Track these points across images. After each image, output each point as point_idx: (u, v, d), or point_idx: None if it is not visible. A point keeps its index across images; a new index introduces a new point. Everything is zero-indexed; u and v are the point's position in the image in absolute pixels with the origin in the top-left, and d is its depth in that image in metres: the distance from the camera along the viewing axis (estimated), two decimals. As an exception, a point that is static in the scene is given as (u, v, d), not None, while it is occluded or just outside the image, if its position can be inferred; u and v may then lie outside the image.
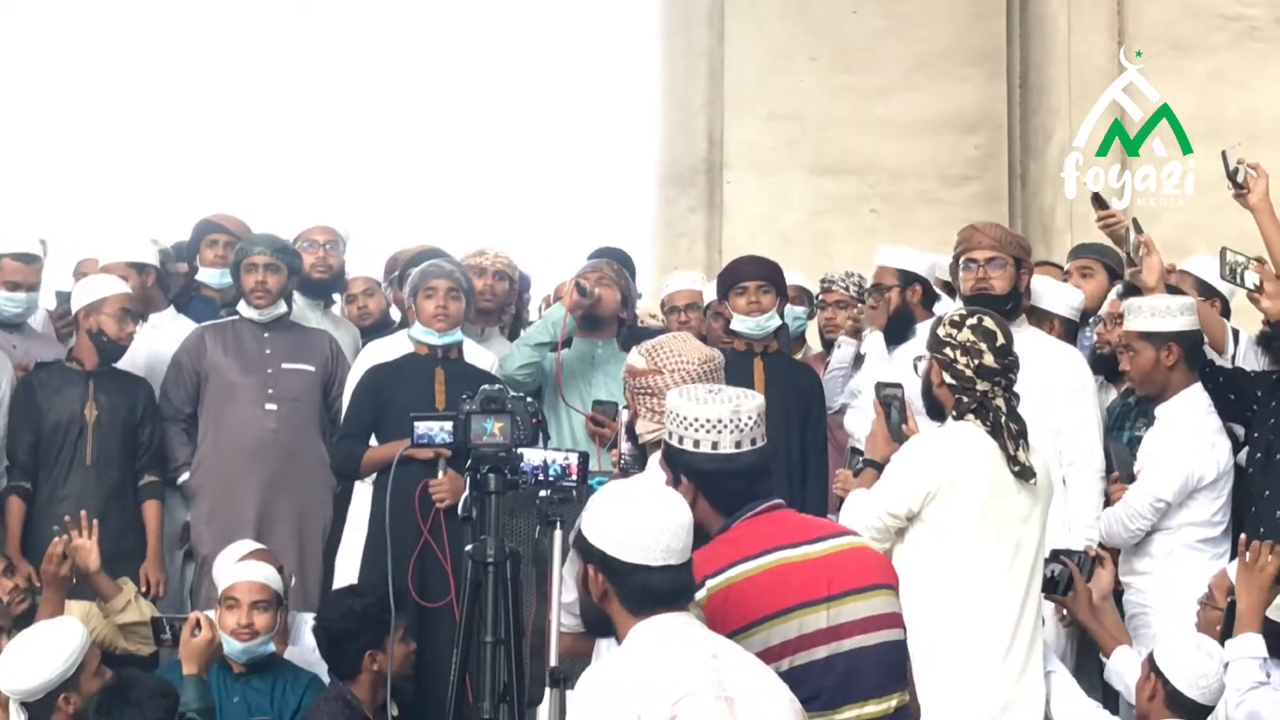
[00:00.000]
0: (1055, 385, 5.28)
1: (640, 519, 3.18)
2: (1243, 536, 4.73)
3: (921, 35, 9.30)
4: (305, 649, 5.83)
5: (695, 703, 3.07)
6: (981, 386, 4.41)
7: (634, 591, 3.20)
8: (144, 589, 5.98)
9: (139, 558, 6.10)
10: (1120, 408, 5.84)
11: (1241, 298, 5.51)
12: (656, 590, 3.19)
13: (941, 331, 4.47)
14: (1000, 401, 4.42)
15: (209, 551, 6.09)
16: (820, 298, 7.01)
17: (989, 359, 4.41)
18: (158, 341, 6.51)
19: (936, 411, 4.53)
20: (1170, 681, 4.42)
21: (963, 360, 4.41)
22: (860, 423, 5.78)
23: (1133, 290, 5.74)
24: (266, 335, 6.41)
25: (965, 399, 4.41)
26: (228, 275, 6.68)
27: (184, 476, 6.30)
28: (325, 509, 6.34)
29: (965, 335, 4.43)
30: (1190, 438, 5.30)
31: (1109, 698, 5.09)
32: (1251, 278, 5.07)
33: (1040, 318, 5.97)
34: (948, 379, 4.44)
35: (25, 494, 6.07)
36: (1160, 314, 5.38)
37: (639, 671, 3.12)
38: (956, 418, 4.40)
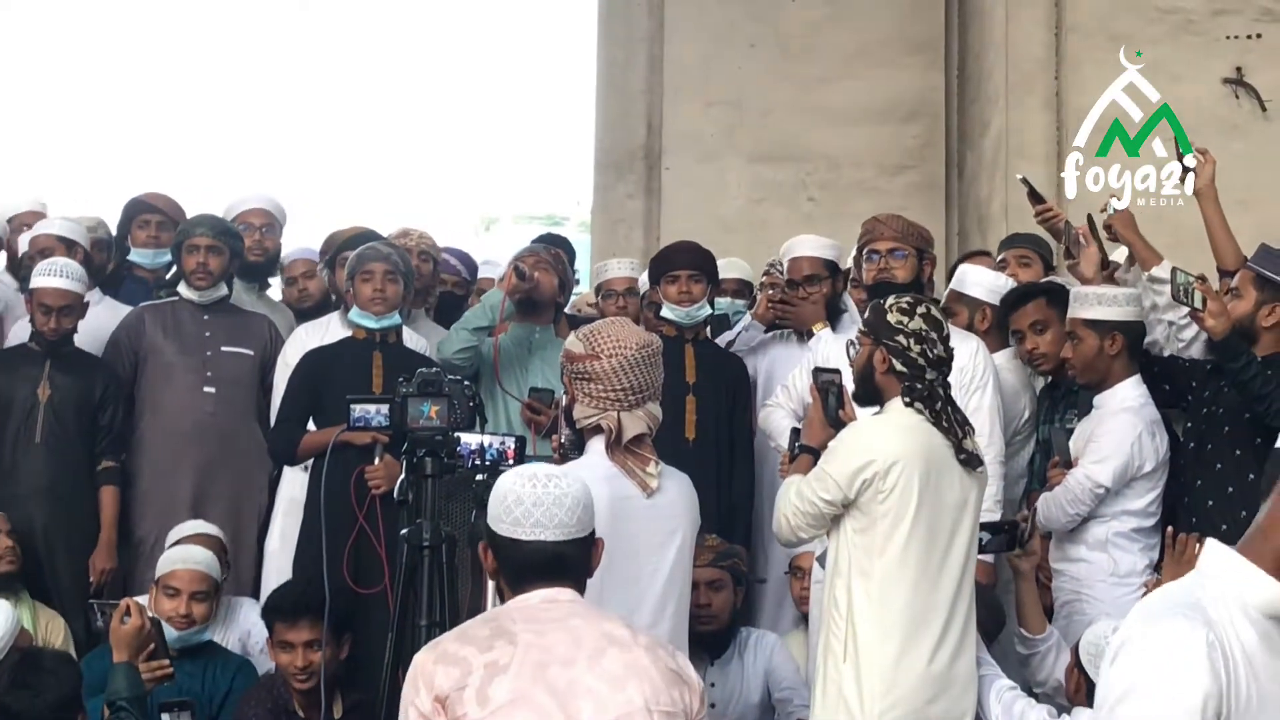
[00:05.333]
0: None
1: (514, 494, 3.22)
2: (1169, 529, 4.76)
3: (861, 23, 9.32)
4: (243, 632, 5.81)
5: (485, 674, 3.06)
6: (930, 375, 4.43)
7: (506, 563, 3.24)
8: (91, 578, 5.98)
9: (91, 542, 6.06)
10: (1048, 400, 5.88)
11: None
12: (525, 563, 3.21)
13: (892, 318, 4.45)
14: (941, 390, 4.45)
15: (144, 534, 6.06)
16: (762, 281, 7.01)
17: (939, 349, 4.44)
18: (85, 321, 6.44)
19: (872, 398, 4.54)
20: (1090, 677, 4.46)
21: (916, 349, 4.41)
22: (776, 421, 5.77)
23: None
24: (206, 317, 6.38)
25: (918, 386, 4.42)
26: (161, 255, 6.64)
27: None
28: (261, 493, 6.32)
29: (917, 324, 4.43)
30: (1131, 426, 5.34)
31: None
32: (1199, 297, 5.12)
33: (972, 306, 6.01)
34: (898, 366, 4.42)
35: None
36: (1106, 303, 5.42)
37: (460, 640, 3.13)
38: (907, 404, 4.40)
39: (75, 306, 6.11)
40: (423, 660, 3.13)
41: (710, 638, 5.41)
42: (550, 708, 3.05)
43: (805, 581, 5.53)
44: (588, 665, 3.10)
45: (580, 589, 3.27)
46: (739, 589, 5.60)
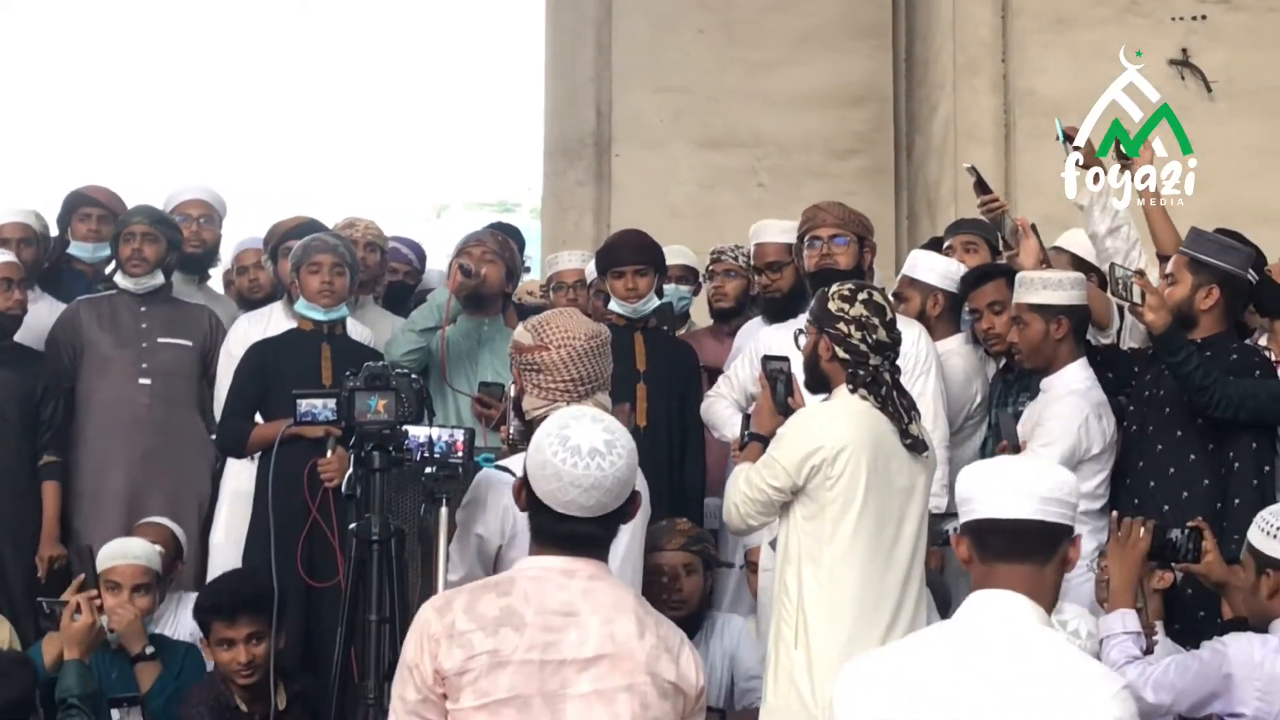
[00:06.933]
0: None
1: (552, 467, 3.12)
2: (1114, 513, 4.76)
3: (808, 8, 9.31)
4: (194, 626, 5.77)
5: (488, 662, 3.04)
6: (874, 361, 4.44)
7: (535, 518, 3.20)
8: (40, 570, 5.93)
9: (37, 539, 6.01)
10: (1001, 384, 5.91)
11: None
12: (552, 532, 3.17)
13: (833, 306, 4.47)
14: (888, 375, 4.46)
15: (80, 528, 6.03)
16: (710, 268, 7.01)
17: (881, 334, 4.45)
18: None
19: (821, 385, 4.55)
20: None
21: (857, 335, 4.43)
22: (719, 412, 5.77)
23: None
24: (143, 309, 6.32)
25: (861, 373, 4.43)
26: (101, 249, 6.59)
27: None
28: (202, 486, 6.28)
29: (858, 310, 4.44)
30: (1078, 409, 5.36)
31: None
32: (1138, 292, 5.16)
33: (924, 291, 6.02)
34: (840, 353, 4.44)
35: None
36: (1051, 287, 5.45)
37: (456, 612, 3.10)
38: (852, 391, 4.41)
39: (23, 280, 6.09)
40: (430, 622, 3.08)
41: (679, 623, 5.39)
42: (541, 714, 3.05)
43: (763, 574, 5.53)
44: (585, 670, 3.10)
45: (605, 555, 3.23)
46: (708, 574, 5.61)
